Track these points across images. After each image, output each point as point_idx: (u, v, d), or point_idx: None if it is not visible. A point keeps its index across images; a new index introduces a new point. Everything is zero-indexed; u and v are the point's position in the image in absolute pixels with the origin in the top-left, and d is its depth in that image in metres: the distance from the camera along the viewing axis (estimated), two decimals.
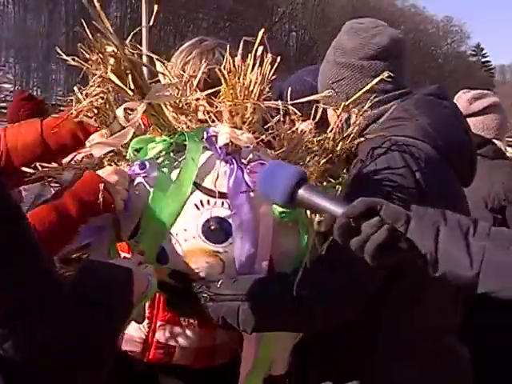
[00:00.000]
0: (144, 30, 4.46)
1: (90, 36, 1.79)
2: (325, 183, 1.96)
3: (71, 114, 1.97)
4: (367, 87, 2.02)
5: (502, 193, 3.06)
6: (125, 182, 1.85)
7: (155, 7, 2.19)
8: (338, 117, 1.99)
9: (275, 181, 1.53)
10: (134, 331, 2.14)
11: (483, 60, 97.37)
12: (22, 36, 52.42)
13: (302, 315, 1.85)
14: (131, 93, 1.85)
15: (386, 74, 1.98)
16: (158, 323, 2.19)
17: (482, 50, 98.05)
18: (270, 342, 2.03)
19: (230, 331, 2.17)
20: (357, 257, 1.46)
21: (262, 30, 1.80)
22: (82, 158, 2.02)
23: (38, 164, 1.92)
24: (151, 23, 2.65)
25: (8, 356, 1.18)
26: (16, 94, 4.28)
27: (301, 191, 1.48)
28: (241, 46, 1.83)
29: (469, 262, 1.41)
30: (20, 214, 1.26)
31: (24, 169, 1.92)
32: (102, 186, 1.78)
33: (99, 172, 1.84)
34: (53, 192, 3.43)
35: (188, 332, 2.18)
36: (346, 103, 2.00)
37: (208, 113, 1.94)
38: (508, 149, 3.73)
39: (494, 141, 3.31)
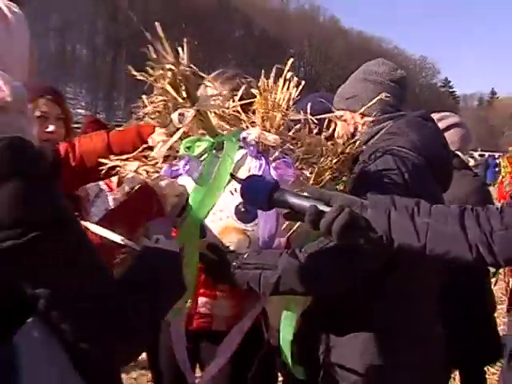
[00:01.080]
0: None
1: (154, 56, 1.81)
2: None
3: (137, 118, 2.01)
4: (374, 100, 2.06)
5: (464, 198, 3.02)
6: (174, 192, 1.84)
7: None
8: (348, 127, 2.01)
9: (256, 191, 1.58)
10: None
11: (450, 90, 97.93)
12: (92, 72, 53.15)
13: (311, 282, 1.86)
14: (184, 101, 1.85)
15: (383, 95, 2.05)
16: (200, 298, 2.21)
17: (449, 82, 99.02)
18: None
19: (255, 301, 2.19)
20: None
21: (291, 59, 1.83)
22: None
23: (111, 157, 1.94)
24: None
25: (65, 335, 1.14)
26: (86, 118, 4.33)
27: (275, 195, 1.53)
28: (273, 71, 1.84)
29: (416, 236, 1.45)
30: (73, 218, 1.20)
31: (101, 160, 1.93)
32: (155, 199, 1.79)
33: (155, 186, 1.84)
34: (107, 193, 3.49)
35: (223, 303, 2.22)
36: (362, 109, 2.07)
37: (243, 120, 1.94)
38: (470, 159, 3.71)
39: (458, 153, 3.27)
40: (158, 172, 1.90)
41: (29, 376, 1.10)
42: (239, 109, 1.95)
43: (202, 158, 1.88)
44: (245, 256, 1.86)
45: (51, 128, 2.53)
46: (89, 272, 1.15)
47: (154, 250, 1.41)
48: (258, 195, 1.56)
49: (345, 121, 2.16)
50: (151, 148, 1.94)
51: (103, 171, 1.96)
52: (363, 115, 2.12)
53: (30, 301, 1.11)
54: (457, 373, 3.60)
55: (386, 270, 1.89)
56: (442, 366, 2.17)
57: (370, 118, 2.10)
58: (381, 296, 1.98)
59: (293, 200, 1.50)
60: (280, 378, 2.74)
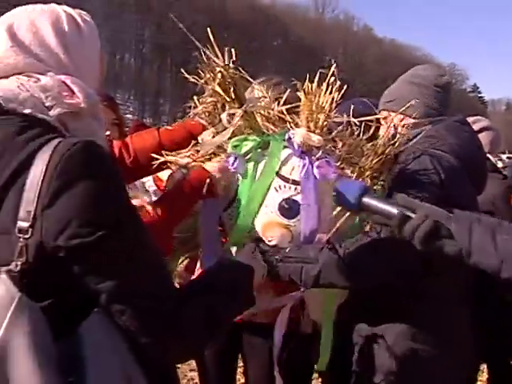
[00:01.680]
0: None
1: (203, 62, 1.84)
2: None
3: (189, 117, 2.03)
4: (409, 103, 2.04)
5: (492, 200, 2.97)
6: (226, 175, 1.87)
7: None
8: (388, 128, 2.00)
9: (347, 193, 1.57)
10: None
11: (479, 96, 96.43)
12: (139, 80, 53.87)
13: (350, 277, 1.85)
14: (232, 102, 1.86)
15: (413, 101, 2.05)
16: None
17: (478, 88, 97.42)
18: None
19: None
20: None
21: (335, 63, 1.82)
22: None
23: (163, 152, 1.95)
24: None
25: (129, 324, 1.14)
26: (133, 122, 4.38)
27: (364, 200, 1.51)
28: (317, 76, 1.83)
29: (495, 253, 1.42)
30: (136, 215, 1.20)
31: (154, 155, 1.95)
32: (208, 179, 1.81)
33: (207, 167, 1.86)
34: (152, 194, 3.52)
35: (266, 297, 2.20)
36: (401, 109, 2.06)
37: (288, 122, 1.94)
38: (498, 162, 3.66)
39: (488, 156, 3.23)
40: None
41: (93, 365, 1.11)
42: (284, 111, 1.95)
43: (248, 157, 1.88)
44: (287, 250, 1.86)
45: (107, 133, 2.57)
46: (147, 271, 1.16)
47: (232, 262, 1.45)
48: (348, 197, 1.56)
49: (386, 122, 2.15)
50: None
51: (154, 166, 1.98)
52: (405, 116, 2.11)
53: (93, 295, 1.13)
54: (485, 366, 3.54)
55: (425, 272, 1.88)
56: (471, 362, 2.15)
57: (412, 120, 2.09)
58: (419, 297, 1.97)
59: (381, 205, 1.50)
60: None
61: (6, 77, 1.22)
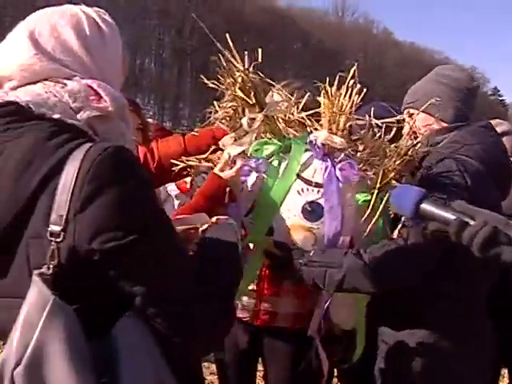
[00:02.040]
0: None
1: (222, 67, 1.84)
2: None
3: (209, 122, 2.03)
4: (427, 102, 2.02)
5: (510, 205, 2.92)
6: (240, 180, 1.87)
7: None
8: (410, 130, 1.98)
9: (404, 199, 1.51)
10: (246, 302, 2.19)
11: (500, 98, 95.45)
12: (159, 84, 54.23)
13: (375, 282, 1.84)
14: (252, 106, 1.86)
15: (434, 99, 2.03)
16: (264, 295, 2.21)
17: (499, 91, 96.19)
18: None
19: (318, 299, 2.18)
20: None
21: (355, 66, 1.81)
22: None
23: (183, 158, 1.97)
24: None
25: (160, 327, 1.16)
26: (153, 126, 4.41)
27: (422, 206, 1.47)
28: (337, 79, 1.84)
29: None
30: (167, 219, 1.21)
31: (173, 161, 1.97)
32: (227, 188, 1.82)
33: (222, 174, 1.85)
34: (174, 199, 3.54)
35: (287, 301, 2.20)
36: (424, 106, 2.04)
37: (308, 126, 1.94)
38: None
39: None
40: None
41: (127, 367, 1.13)
42: (304, 115, 1.95)
43: (269, 160, 1.88)
44: (310, 254, 1.85)
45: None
46: (176, 275, 1.17)
47: (214, 241, 1.40)
48: (405, 203, 1.51)
49: (411, 120, 2.13)
50: (222, 150, 1.96)
51: (175, 171, 2.00)
52: (430, 115, 2.09)
53: (126, 297, 1.14)
54: (506, 371, 3.49)
55: (444, 272, 1.87)
56: (492, 364, 2.12)
57: (444, 124, 2.09)
58: (439, 297, 1.96)
59: (438, 211, 1.45)
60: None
61: (34, 82, 1.22)
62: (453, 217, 1.41)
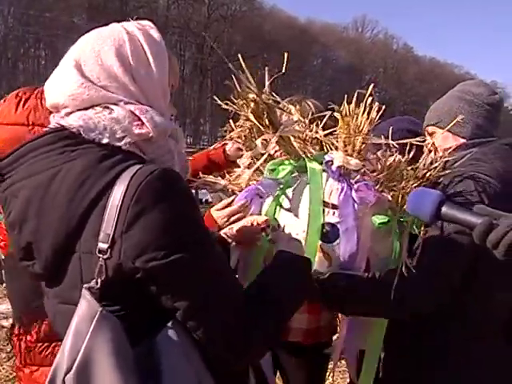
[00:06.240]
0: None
1: (238, 87, 1.83)
2: None
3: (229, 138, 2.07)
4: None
5: None
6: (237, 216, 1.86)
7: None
8: (430, 152, 1.95)
9: (422, 204, 1.47)
10: None
11: None
12: (180, 100, 54.81)
13: (396, 308, 1.80)
14: (266, 128, 1.86)
15: (460, 117, 1.99)
16: None
17: None
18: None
19: (331, 317, 2.16)
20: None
21: (374, 82, 1.79)
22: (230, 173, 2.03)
23: (201, 174, 2.00)
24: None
25: (201, 340, 1.23)
26: None
27: (443, 209, 1.43)
28: (355, 95, 1.80)
29: None
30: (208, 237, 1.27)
31: (190, 178, 1.96)
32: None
33: (214, 214, 1.87)
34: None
35: (300, 316, 2.21)
36: (449, 126, 2.00)
37: (325, 144, 1.92)
38: None
39: None
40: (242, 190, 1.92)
41: (170, 375, 1.21)
42: (320, 134, 1.93)
43: (282, 180, 1.86)
44: (326, 276, 1.82)
45: None
46: (218, 291, 1.23)
47: (289, 259, 1.50)
48: (425, 206, 1.46)
49: (432, 138, 2.09)
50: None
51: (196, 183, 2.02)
52: (452, 134, 2.05)
53: (168, 309, 1.22)
54: None
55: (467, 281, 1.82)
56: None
57: (462, 140, 2.04)
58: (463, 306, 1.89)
59: (461, 215, 1.41)
60: None
61: (85, 108, 1.30)
62: (477, 219, 1.36)
